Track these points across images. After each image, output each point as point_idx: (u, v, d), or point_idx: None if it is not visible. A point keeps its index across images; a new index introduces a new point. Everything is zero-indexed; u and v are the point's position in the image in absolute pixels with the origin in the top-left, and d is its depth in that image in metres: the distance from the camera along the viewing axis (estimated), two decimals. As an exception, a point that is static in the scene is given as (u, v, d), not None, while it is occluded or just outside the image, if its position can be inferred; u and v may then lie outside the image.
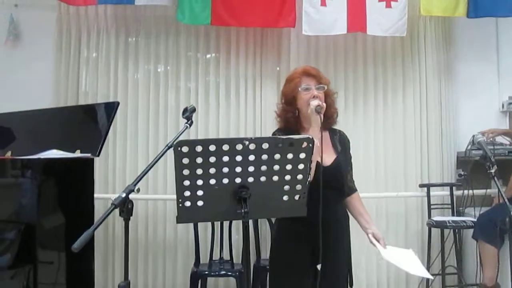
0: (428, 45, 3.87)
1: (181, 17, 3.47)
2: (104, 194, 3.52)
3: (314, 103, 1.95)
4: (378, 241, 2.02)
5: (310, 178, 1.78)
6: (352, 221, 2.16)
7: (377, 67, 3.87)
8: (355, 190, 2.16)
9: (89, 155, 2.13)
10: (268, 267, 3.12)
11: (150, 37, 3.80)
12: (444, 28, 3.89)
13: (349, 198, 2.13)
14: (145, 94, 3.78)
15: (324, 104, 1.98)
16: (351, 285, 2.11)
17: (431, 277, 2.03)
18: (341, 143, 2.13)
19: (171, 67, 3.81)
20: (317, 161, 1.90)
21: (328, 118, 2.09)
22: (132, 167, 3.69)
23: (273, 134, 2.11)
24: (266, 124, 3.75)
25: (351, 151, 2.22)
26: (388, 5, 3.53)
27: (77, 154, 2.14)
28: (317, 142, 1.85)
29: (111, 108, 2.33)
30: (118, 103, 2.28)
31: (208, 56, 3.85)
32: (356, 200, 2.15)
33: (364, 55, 3.86)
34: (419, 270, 2.08)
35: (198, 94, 3.78)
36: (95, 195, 2.37)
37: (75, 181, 2.20)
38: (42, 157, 2.06)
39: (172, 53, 3.81)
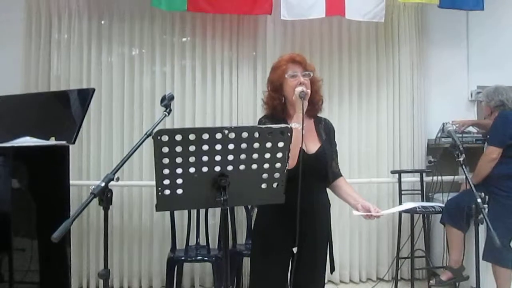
0: (402, 34, 3.95)
1: (156, 3, 3.41)
2: (79, 181, 3.49)
3: (299, 89, 1.97)
4: (369, 210, 1.97)
5: (294, 164, 1.82)
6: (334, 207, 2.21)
7: (352, 54, 3.93)
8: (340, 175, 2.18)
9: (64, 142, 2.09)
10: (244, 252, 3.24)
11: (124, 20, 3.74)
12: (417, 18, 3.98)
13: (335, 183, 2.15)
14: (120, 78, 3.72)
15: (309, 91, 2.01)
16: (333, 269, 2.16)
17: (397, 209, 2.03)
18: (326, 131, 2.15)
19: (146, 51, 3.76)
20: (301, 148, 1.92)
21: (314, 105, 2.12)
22: (107, 153, 3.66)
23: (259, 121, 2.13)
24: (242, 108, 3.78)
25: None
26: None
27: (52, 141, 2.10)
28: (300, 127, 1.89)
29: (86, 94, 2.29)
30: (93, 90, 2.24)
31: (184, 40, 3.81)
32: (342, 183, 2.15)
33: (339, 42, 3.91)
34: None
35: (174, 78, 3.76)
36: (70, 182, 2.35)
37: (50, 168, 2.16)
38: (15, 144, 2.01)
39: (147, 36, 3.76)
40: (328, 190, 2.16)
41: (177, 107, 3.68)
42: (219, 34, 3.79)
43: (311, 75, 2.08)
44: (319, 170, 2.05)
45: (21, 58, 3.62)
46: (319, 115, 2.20)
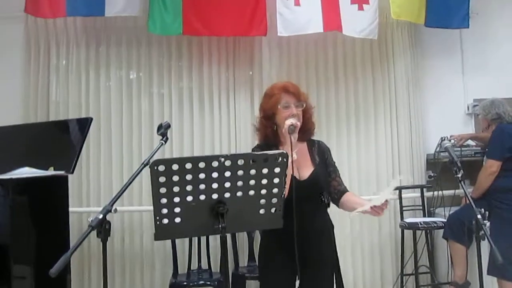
0: (396, 50, 3.97)
1: (152, 28, 3.46)
2: (79, 208, 3.49)
3: (288, 122, 2.00)
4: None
5: (285, 192, 1.82)
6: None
7: (348, 72, 3.95)
8: (346, 190, 2.16)
9: (62, 172, 2.10)
10: (246, 274, 3.23)
11: (121, 45, 3.79)
12: (410, 34, 4.00)
13: (343, 199, 2.13)
14: (118, 101, 3.76)
15: (298, 123, 2.03)
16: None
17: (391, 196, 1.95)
18: (319, 154, 2.17)
19: (144, 74, 3.80)
20: (292, 175, 1.93)
21: (305, 132, 2.15)
22: (106, 177, 3.66)
23: (253, 150, 2.17)
24: (240, 128, 3.79)
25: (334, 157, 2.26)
26: (361, 8, 3.61)
27: (51, 171, 2.11)
28: (292, 155, 1.90)
29: (84, 123, 2.31)
30: (91, 119, 2.26)
31: (180, 63, 3.85)
32: (349, 196, 2.14)
33: (334, 61, 3.94)
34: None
35: (171, 100, 3.79)
36: (70, 209, 2.34)
37: (49, 198, 2.17)
38: (14, 176, 2.02)
39: (144, 60, 3.80)
40: (334, 210, 2.17)
41: (175, 129, 3.70)
42: (216, 56, 3.83)
43: (304, 105, 2.10)
44: (314, 195, 2.06)
45: (20, 84, 3.66)
46: (313, 138, 2.21)
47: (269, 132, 2.12)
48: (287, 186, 1.85)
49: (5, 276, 1.99)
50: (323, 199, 2.12)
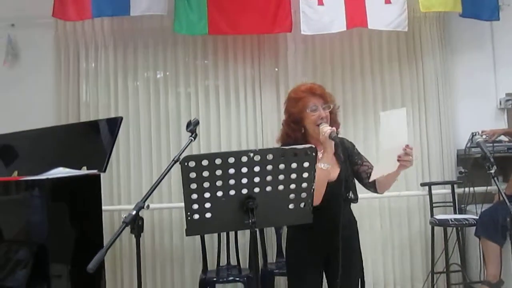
0: (424, 45, 3.90)
1: (178, 28, 3.50)
2: (110, 206, 3.57)
3: (327, 130, 1.98)
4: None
5: (319, 201, 1.88)
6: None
7: (374, 68, 3.90)
8: None
9: (95, 171, 2.15)
10: (275, 271, 3.25)
11: (148, 46, 3.84)
12: (439, 28, 3.92)
13: (378, 179, 2.09)
14: (146, 100, 3.82)
15: (334, 129, 2.03)
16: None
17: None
18: (344, 152, 2.16)
19: (170, 73, 3.85)
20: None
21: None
22: (136, 175, 3.73)
23: None
24: (267, 124, 3.80)
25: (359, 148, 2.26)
26: (387, 1, 3.55)
27: (84, 171, 2.16)
28: (329, 168, 1.96)
29: (114, 123, 2.36)
30: (121, 118, 2.30)
31: (206, 62, 3.88)
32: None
33: (361, 56, 3.89)
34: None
35: (198, 98, 3.82)
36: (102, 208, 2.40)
37: (83, 197, 2.22)
38: (49, 176, 2.08)
39: (170, 60, 3.85)
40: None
41: (202, 127, 3.72)
42: (241, 54, 3.84)
43: (331, 107, 2.10)
44: (342, 194, 2.05)
45: (52, 88, 3.77)
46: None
47: (298, 135, 2.12)
48: (321, 195, 1.90)
49: (43, 275, 2.04)
50: (350, 196, 2.12)
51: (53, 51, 3.78)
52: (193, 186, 1.58)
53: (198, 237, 3.49)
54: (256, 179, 1.62)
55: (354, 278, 2.15)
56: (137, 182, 3.71)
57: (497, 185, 2.08)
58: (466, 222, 3.32)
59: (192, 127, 1.94)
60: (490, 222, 3.08)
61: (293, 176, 1.66)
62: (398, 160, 1.88)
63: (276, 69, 3.90)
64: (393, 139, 1.86)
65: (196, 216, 1.62)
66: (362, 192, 2.25)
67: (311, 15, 3.52)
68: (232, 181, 1.60)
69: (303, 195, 1.70)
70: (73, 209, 2.15)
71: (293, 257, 2.16)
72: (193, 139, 1.93)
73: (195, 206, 1.61)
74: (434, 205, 3.65)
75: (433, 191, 3.67)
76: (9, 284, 1.97)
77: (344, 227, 2.04)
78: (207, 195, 1.60)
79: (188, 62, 3.86)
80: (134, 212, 1.53)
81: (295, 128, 2.13)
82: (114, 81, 3.81)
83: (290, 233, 2.22)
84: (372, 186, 2.14)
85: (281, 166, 1.63)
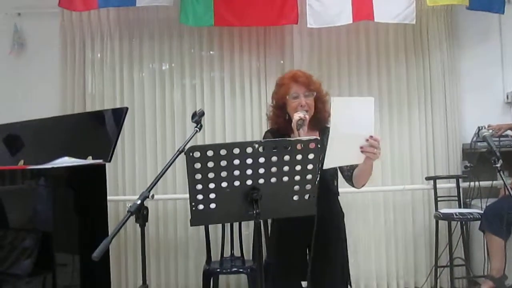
0: (431, 38, 3.88)
1: (184, 20, 3.49)
2: (115, 197, 3.59)
3: (296, 117, 1.97)
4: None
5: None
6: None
7: (381, 60, 3.88)
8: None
9: (100, 161, 2.15)
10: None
11: (154, 38, 3.84)
12: (446, 21, 3.89)
13: (354, 173, 2.10)
14: (151, 92, 3.82)
15: (307, 116, 2.02)
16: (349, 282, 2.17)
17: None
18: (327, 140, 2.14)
19: (176, 65, 3.85)
20: None
21: (317, 121, 2.15)
22: (141, 166, 3.74)
23: (264, 135, 2.19)
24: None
25: None
26: None
27: (89, 160, 2.17)
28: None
29: (119, 113, 2.35)
30: (126, 109, 2.29)
31: (212, 53, 3.88)
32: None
33: (367, 49, 3.88)
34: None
35: (203, 90, 3.82)
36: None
37: (88, 186, 2.22)
38: (55, 165, 2.08)
39: (176, 51, 3.85)
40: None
41: (207, 118, 3.73)
42: (246, 46, 3.84)
43: (314, 94, 2.07)
44: (323, 183, 2.00)
45: (58, 78, 3.78)
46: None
47: (280, 121, 2.12)
48: None
49: (49, 264, 2.06)
50: (335, 184, 2.13)
51: (59, 41, 3.79)
52: (198, 176, 1.58)
53: (202, 228, 3.51)
54: (261, 170, 1.62)
55: (335, 267, 2.14)
56: (142, 173, 3.73)
57: (503, 179, 2.07)
58: (471, 216, 3.32)
59: (198, 117, 1.94)
60: (495, 216, 3.08)
61: (298, 167, 1.65)
62: (362, 152, 1.84)
63: (282, 62, 3.89)
64: (354, 128, 1.79)
65: (201, 207, 1.62)
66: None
67: (317, 8, 3.50)
68: (237, 172, 1.60)
69: (308, 186, 1.69)
70: (78, 198, 2.15)
71: (276, 237, 2.19)
72: (198, 130, 1.92)
73: (200, 197, 1.61)
74: (438, 199, 3.64)
75: (438, 185, 3.67)
76: (15, 272, 1.99)
77: (324, 219, 2.00)
78: (211, 185, 1.60)
79: (194, 53, 3.86)
80: (139, 202, 1.53)
81: (278, 114, 2.13)
82: (120, 72, 3.81)
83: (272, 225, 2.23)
84: (350, 180, 2.11)
85: (286, 157, 1.63)
